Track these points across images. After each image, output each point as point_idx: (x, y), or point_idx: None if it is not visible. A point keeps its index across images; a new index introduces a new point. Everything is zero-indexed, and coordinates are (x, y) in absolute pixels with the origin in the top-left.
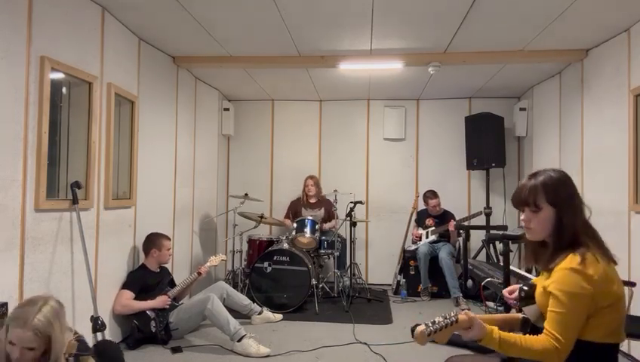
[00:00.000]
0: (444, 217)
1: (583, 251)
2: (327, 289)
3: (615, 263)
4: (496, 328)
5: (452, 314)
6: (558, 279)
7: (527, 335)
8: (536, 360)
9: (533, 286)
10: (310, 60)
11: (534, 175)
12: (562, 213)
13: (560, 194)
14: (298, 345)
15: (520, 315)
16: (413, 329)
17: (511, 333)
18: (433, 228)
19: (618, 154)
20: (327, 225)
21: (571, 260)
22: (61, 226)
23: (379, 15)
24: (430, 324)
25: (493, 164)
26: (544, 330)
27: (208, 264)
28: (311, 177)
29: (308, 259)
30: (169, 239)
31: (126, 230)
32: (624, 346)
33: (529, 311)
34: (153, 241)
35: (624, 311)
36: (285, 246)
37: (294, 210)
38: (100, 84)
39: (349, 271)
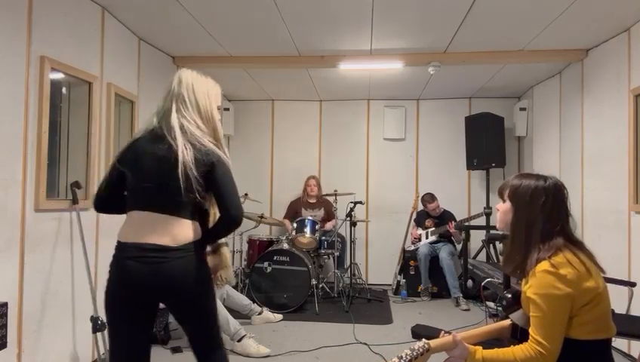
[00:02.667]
0: (443, 217)
1: (554, 257)
2: (327, 290)
3: (602, 271)
4: (479, 348)
5: (421, 344)
6: (533, 283)
7: (512, 345)
8: None
9: (517, 293)
10: (310, 60)
11: (519, 175)
12: (516, 211)
13: (519, 193)
14: (298, 345)
15: (509, 322)
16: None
17: (494, 349)
18: (433, 228)
19: (618, 154)
20: (328, 225)
21: (543, 263)
22: (61, 226)
23: (379, 15)
24: (397, 359)
25: (493, 164)
26: (529, 336)
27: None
28: (313, 177)
29: (308, 259)
30: None
31: None
32: (624, 346)
33: (516, 317)
34: None
35: (607, 305)
36: (285, 246)
37: (294, 210)
38: (99, 84)
39: (349, 271)
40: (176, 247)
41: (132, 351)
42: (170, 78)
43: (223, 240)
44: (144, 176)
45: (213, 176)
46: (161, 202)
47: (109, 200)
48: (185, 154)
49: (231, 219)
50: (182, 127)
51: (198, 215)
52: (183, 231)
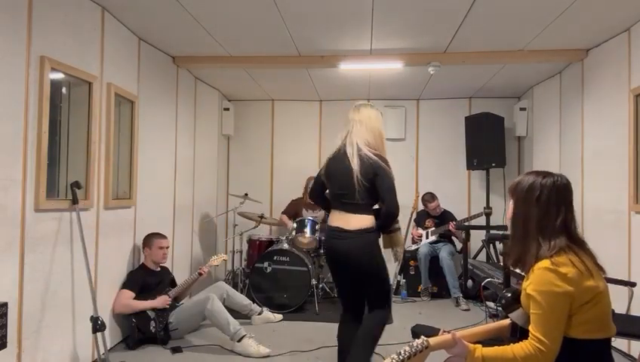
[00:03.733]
0: (443, 217)
1: (556, 257)
2: (327, 290)
3: (602, 271)
4: (479, 346)
5: (420, 342)
6: (533, 280)
7: (512, 344)
8: None
9: (516, 292)
10: (310, 60)
11: (527, 172)
12: (515, 206)
13: (518, 189)
14: (298, 345)
15: (508, 321)
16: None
17: (494, 347)
18: (433, 228)
19: (618, 154)
20: None
21: (544, 261)
22: (61, 226)
23: (379, 15)
24: (396, 355)
25: (493, 164)
26: (529, 333)
27: (209, 264)
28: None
29: (308, 259)
30: (164, 238)
31: (126, 230)
32: (624, 346)
33: (515, 316)
34: (146, 240)
35: (608, 305)
36: (285, 246)
37: (294, 210)
38: (99, 84)
39: None
40: (350, 230)
41: (341, 294)
42: (351, 110)
43: (396, 225)
44: (335, 186)
45: (377, 182)
46: (345, 205)
47: (317, 198)
48: (358, 168)
49: (388, 213)
50: (357, 145)
51: (372, 210)
52: (357, 221)
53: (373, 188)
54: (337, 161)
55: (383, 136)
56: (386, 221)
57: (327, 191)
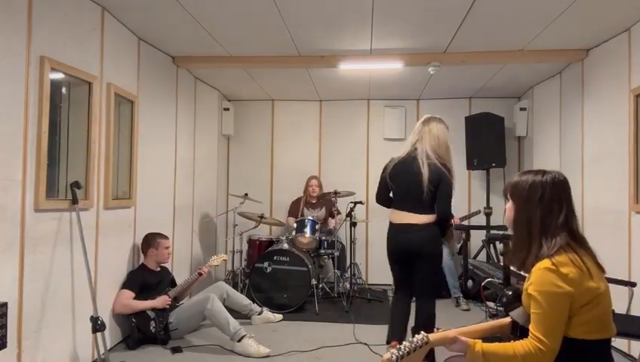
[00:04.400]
0: None
1: (557, 256)
2: (327, 290)
3: (602, 271)
4: (479, 341)
5: (421, 337)
6: (534, 280)
7: (512, 341)
8: None
9: (516, 291)
10: (310, 60)
11: (520, 172)
12: (516, 208)
13: (517, 190)
14: (298, 345)
15: (508, 319)
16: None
17: (494, 343)
18: None
19: (618, 154)
20: (332, 222)
21: (545, 261)
22: (61, 226)
23: (379, 15)
24: (396, 351)
25: (494, 164)
26: (529, 333)
27: (209, 264)
28: (315, 177)
29: (308, 259)
30: (167, 238)
31: (126, 230)
32: (624, 346)
33: (516, 315)
34: (150, 241)
35: (608, 305)
36: (285, 246)
37: (295, 210)
38: (99, 84)
39: (349, 271)
40: (419, 223)
41: (402, 280)
42: (420, 122)
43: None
44: (401, 187)
45: (439, 187)
46: (411, 205)
47: (384, 201)
48: (425, 173)
49: (440, 216)
50: (426, 152)
51: (434, 210)
52: (422, 218)
53: (436, 192)
54: (407, 165)
55: (449, 147)
56: (440, 223)
57: (391, 191)
